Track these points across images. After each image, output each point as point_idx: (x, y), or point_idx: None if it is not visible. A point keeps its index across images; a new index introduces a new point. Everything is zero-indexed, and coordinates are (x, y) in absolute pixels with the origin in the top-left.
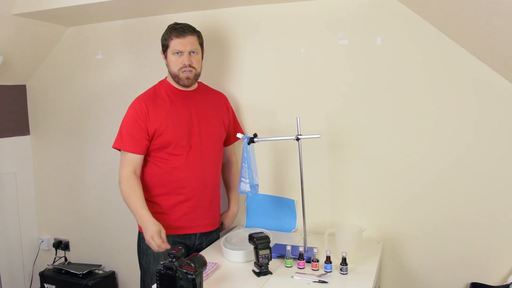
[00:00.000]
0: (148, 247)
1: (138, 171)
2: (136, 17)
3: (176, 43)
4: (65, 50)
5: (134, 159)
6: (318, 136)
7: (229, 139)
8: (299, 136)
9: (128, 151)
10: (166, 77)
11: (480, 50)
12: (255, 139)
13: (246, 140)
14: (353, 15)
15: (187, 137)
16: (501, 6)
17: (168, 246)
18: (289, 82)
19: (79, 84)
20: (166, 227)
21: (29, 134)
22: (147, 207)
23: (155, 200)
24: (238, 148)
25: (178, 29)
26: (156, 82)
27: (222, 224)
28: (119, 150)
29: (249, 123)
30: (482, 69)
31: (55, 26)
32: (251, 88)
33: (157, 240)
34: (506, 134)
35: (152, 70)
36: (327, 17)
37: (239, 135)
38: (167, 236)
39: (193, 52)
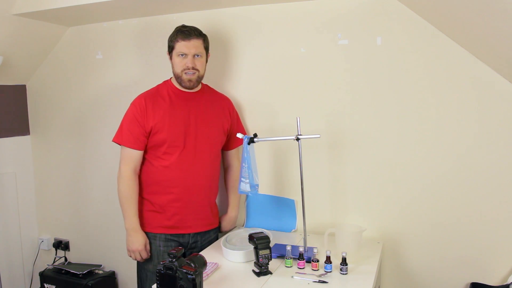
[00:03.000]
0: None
1: (138, 168)
2: (136, 17)
3: (181, 46)
4: (65, 50)
5: (134, 155)
6: (318, 136)
7: (231, 144)
8: (299, 136)
9: (127, 146)
10: (171, 78)
11: (480, 50)
12: (255, 139)
13: (246, 140)
14: (353, 15)
15: (182, 137)
16: (501, 6)
17: (148, 256)
18: (289, 82)
19: (79, 84)
20: (158, 225)
21: (29, 134)
22: (138, 216)
23: (148, 197)
24: (241, 152)
25: (184, 32)
26: (157, 82)
27: (220, 225)
28: (119, 144)
29: (249, 123)
30: (482, 69)
31: (55, 26)
32: (251, 88)
33: (143, 254)
34: (506, 135)
35: (152, 70)
36: (327, 17)
37: (239, 135)
38: (160, 234)
39: (197, 55)
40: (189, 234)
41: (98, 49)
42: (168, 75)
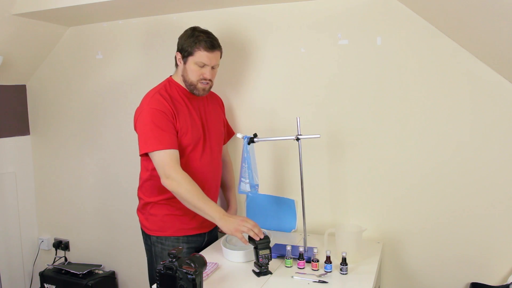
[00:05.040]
0: (163, 250)
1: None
2: (136, 17)
3: (203, 55)
4: (65, 50)
5: (176, 155)
6: (318, 136)
7: (225, 138)
8: (299, 136)
9: (170, 148)
10: (171, 76)
11: (479, 50)
12: (255, 139)
13: (246, 140)
14: (353, 15)
15: (202, 141)
16: (500, 6)
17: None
18: (289, 82)
19: (79, 84)
20: (180, 228)
21: (29, 134)
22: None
23: (169, 202)
24: (233, 148)
25: (208, 42)
26: (157, 81)
27: None
28: (155, 151)
29: (249, 123)
30: (482, 69)
31: (55, 26)
32: (251, 88)
33: (254, 226)
34: (506, 133)
35: (153, 70)
36: (327, 17)
37: (239, 135)
38: (182, 236)
39: (214, 67)
40: (205, 233)
41: (98, 49)
42: (168, 74)
